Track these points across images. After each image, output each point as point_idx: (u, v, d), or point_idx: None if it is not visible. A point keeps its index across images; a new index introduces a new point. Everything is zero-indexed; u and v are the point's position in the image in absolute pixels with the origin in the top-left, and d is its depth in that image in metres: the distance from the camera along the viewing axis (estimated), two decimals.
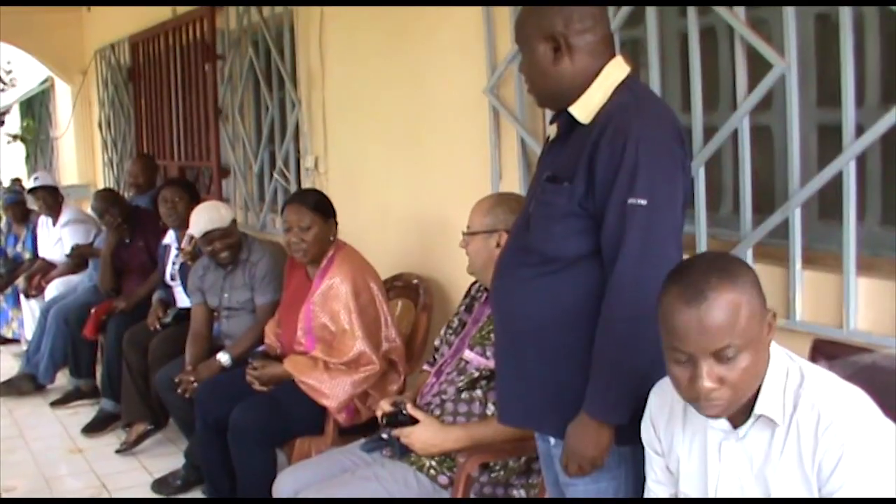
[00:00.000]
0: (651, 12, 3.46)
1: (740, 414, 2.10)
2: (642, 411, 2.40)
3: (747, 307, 1.99)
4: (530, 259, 2.62)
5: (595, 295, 2.46)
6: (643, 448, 2.40)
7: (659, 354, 2.23)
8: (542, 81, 2.62)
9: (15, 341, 8.22)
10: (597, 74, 2.54)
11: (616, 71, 2.56)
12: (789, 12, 2.99)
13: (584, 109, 2.53)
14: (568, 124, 2.59)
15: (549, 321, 2.58)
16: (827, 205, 3.14)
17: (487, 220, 3.33)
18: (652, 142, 2.40)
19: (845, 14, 2.83)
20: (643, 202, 2.37)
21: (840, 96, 2.87)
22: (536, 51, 2.57)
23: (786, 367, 2.08)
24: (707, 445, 2.19)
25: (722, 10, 3.18)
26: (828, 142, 3.11)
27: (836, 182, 2.90)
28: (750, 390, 2.06)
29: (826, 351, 2.78)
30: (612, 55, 2.59)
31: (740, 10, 3.14)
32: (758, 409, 2.06)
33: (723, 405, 2.04)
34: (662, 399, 2.32)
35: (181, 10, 7.64)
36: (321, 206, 4.31)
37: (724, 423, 2.14)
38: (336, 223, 4.33)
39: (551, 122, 2.72)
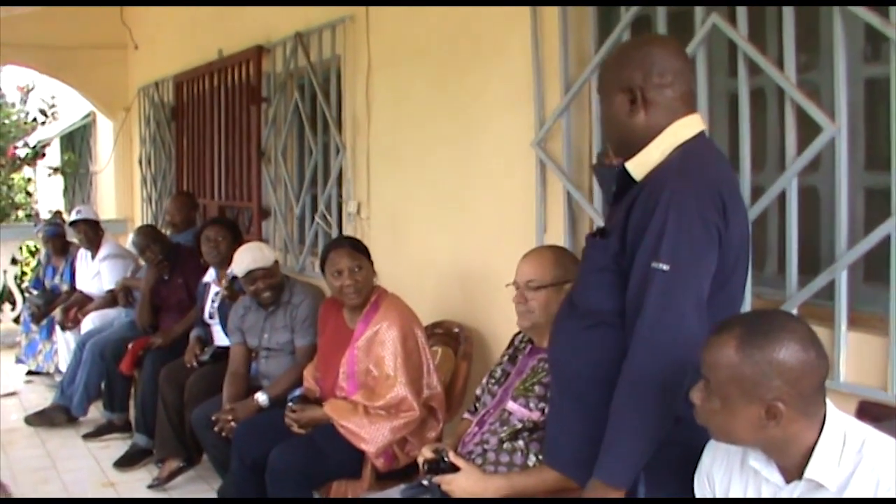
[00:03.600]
0: (701, 72, 3.50)
1: (793, 472, 2.14)
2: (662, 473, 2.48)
3: (734, 372, 2.08)
4: (574, 311, 2.66)
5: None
6: None
7: (666, 420, 2.36)
8: (614, 131, 2.65)
9: (39, 373, 8.27)
10: (661, 132, 2.53)
11: (683, 130, 2.54)
12: (840, 76, 3.03)
13: (639, 167, 2.55)
14: (624, 179, 2.60)
15: (587, 375, 2.60)
16: (872, 267, 3.16)
17: (557, 271, 3.35)
18: (683, 207, 2.39)
19: None
20: (665, 267, 2.37)
21: (888, 160, 2.91)
22: (613, 100, 2.59)
23: (843, 432, 2.10)
24: (760, 495, 2.23)
25: (773, 73, 3.21)
26: (875, 205, 3.14)
27: (883, 245, 2.93)
28: (721, 435, 2.20)
29: (871, 412, 2.78)
30: (689, 112, 2.58)
31: (791, 73, 3.18)
32: (807, 474, 2.10)
33: (702, 423, 2.21)
34: (717, 452, 2.36)
35: (228, 51, 7.75)
36: (363, 248, 4.40)
37: (777, 477, 2.18)
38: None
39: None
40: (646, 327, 2.39)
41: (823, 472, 2.07)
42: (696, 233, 2.39)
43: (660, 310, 2.37)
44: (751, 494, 2.26)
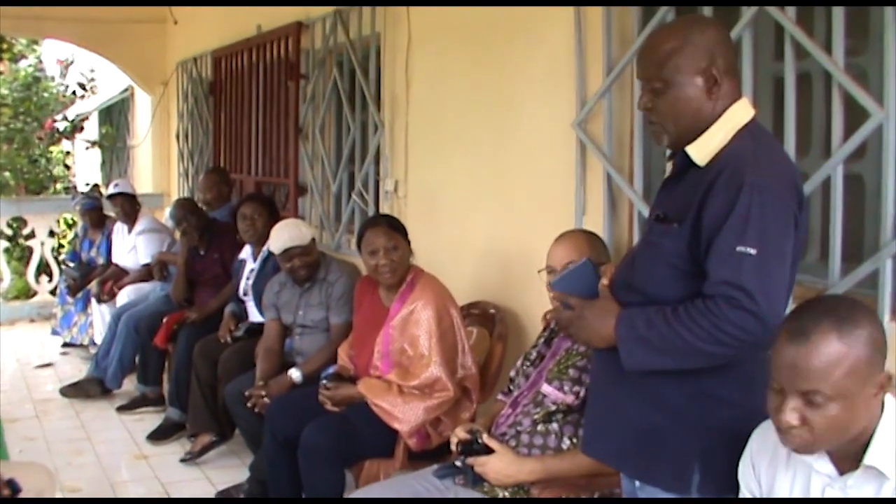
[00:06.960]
0: (747, 55, 3.44)
1: (848, 461, 2.09)
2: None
3: (850, 362, 1.98)
4: (633, 298, 2.55)
5: None
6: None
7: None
8: (684, 116, 2.52)
9: (74, 345, 8.33)
10: (720, 115, 2.49)
11: (741, 112, 2.49)
12: (890, 61, 2.97)
13: (702, 151, 2.48)
14: (684, 164, 2.54)
15: None
16: None
17: (595, 254, 3.31)
18: (768, 192, 2.33)
19: None
20: (753, 251, 2.29)
21: None
22: (684, 85, 2.49)
23: None
24: (810, 488, 2.18)
25: (821, 57, 3.16)
26: None
27: None
28: (835, 439, 2.07)
29: None
30: (740, 95, 2.54)
31: (839, 57, 3.12)
32: (867, 460, 2.05)
33: (801, 443, 2.07)
34: (765, 439, 2.31)
35: (266, 27, 7.74)
36: (400, 227, 4.37)
37: (829, 468, 2.13)
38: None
39: (668, 159, 2.69)
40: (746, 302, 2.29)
41: (884, 460, 2.03)
42: (781, 219, 2.35)
43: (750, 293, 2.28)
44: (799, 485, 2.21)
